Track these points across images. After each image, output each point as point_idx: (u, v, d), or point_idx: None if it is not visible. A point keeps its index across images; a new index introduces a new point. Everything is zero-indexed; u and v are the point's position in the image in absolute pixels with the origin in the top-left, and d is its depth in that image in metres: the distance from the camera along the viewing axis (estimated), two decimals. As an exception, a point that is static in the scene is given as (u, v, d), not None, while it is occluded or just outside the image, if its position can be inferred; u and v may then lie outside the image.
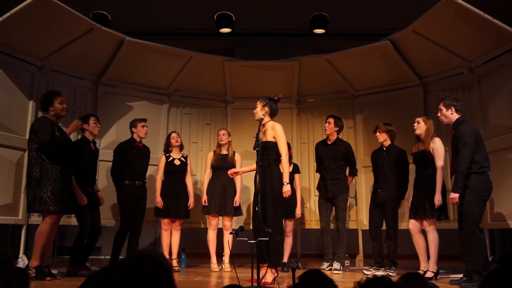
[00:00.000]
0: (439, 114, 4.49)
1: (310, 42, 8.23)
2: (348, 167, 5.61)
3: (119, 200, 5.27)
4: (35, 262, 4.23)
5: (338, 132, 5.59)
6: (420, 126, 4.83)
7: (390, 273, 4.91)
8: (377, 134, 5.31)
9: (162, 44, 6.26)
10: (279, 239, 4.20)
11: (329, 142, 5.58)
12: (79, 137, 5.42)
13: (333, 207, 5.51)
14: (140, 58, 6.15)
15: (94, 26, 5.46)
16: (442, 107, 4.45)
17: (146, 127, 5.43)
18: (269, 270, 4.02)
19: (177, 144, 5.65)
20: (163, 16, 7.57)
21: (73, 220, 5.10)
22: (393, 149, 5.28)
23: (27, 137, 4.55)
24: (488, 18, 4.82)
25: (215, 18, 7.55)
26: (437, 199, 4.60)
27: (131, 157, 5.28)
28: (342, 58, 6.42)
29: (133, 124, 5.45)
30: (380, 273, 4.96)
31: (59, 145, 4.32)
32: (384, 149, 5.31)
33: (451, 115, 4.39)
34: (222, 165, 5.54)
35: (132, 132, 5.44)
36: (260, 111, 4.44)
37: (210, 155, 5.69)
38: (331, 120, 5.55)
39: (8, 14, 4.76)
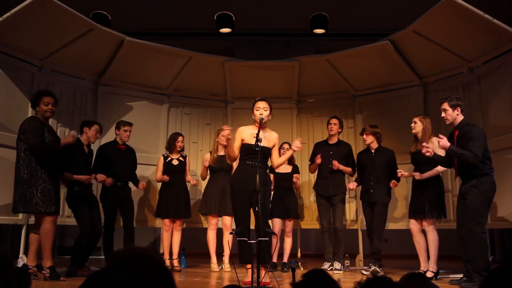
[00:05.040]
0: (443, 114, 4.33)
1: (310, 42, 8.23)
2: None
3: (101, 200, 5.23)
4: (48, 262, 4.27)
5: (339, 133, 5.68)
6: (417, 126, 4.84)
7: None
8: (364, 136, 5.37)
9: (162, 44, 6.26)
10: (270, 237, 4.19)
11: (330, 142, 5.62)
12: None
13: (331, 206, 5.52)
14: (140, 58, 6.15)
15: (94, 26, 5.46)
16: (447, 107, 4.29)
17: (130, 131, 5.39)
18: (265, 269, 4.00)
19: (180, 149, 5.66)
20: (163, 16, 7.57)
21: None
22: (382, 150, 5.33)
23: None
24: (488, 18, 4.81)
25: (215, 18, 7.55)
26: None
27: (113, 159, 5.26)
28: (342, 58, 6.41)
29: (117, 126, 5.44)
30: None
31: (48, 150, 4.30)
32: (373, 151, 5.34)
33: (457, 115, 4.27)
34: (221, 166, 5.52)
35: (116, 134, 5.43)
36: (268, 115, 4.26)
37: (207, 157, 5.65)
38: (336, 121, 5.62)
39: (8, 14, 4.77)
